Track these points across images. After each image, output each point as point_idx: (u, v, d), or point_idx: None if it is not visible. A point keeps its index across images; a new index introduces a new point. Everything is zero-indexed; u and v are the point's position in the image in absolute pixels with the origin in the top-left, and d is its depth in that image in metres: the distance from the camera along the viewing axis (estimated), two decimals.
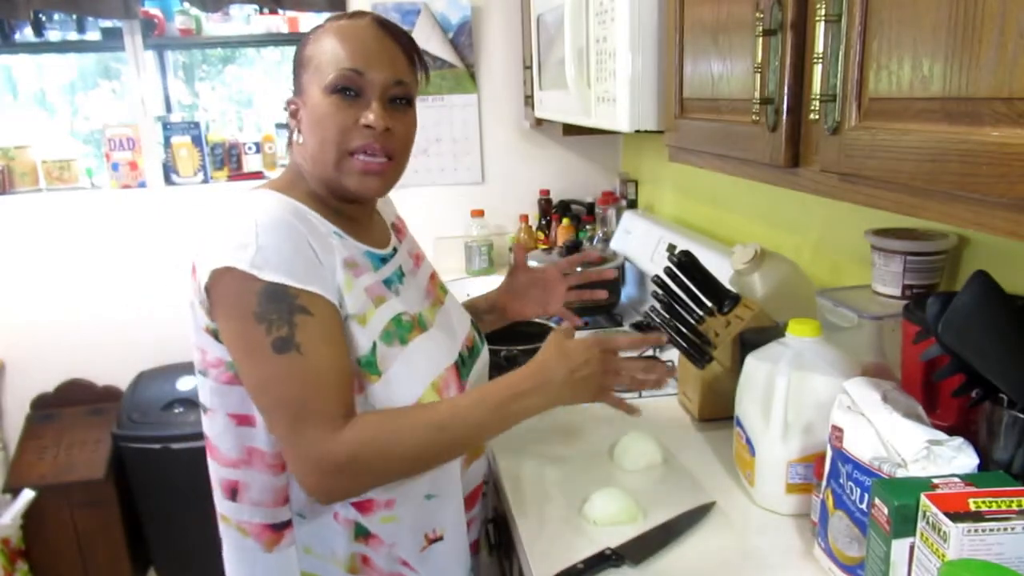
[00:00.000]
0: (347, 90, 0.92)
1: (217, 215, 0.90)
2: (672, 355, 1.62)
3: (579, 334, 0.98)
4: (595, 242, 2.40)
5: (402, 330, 0.96)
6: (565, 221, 2.51)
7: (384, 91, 0.94)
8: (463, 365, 1.04)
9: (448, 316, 1.10)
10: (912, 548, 0.72)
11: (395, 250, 1.07)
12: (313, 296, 0.85)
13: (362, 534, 0.97)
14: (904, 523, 0.72)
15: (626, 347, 0.97)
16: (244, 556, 0.99)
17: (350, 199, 0.99)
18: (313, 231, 0.90)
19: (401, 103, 0.97)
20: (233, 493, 0.96)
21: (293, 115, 0.99)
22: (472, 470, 1.09)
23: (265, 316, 0.83)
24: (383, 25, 0.96)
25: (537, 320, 1.32)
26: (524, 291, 1.29)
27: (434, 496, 1.00)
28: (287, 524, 0.96)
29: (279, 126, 2.67)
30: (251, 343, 0.84)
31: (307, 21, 2.58)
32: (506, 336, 1.42)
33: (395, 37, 0.97)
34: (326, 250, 0.90)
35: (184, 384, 2.46)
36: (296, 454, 0.85)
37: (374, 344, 0.92)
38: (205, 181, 2.61)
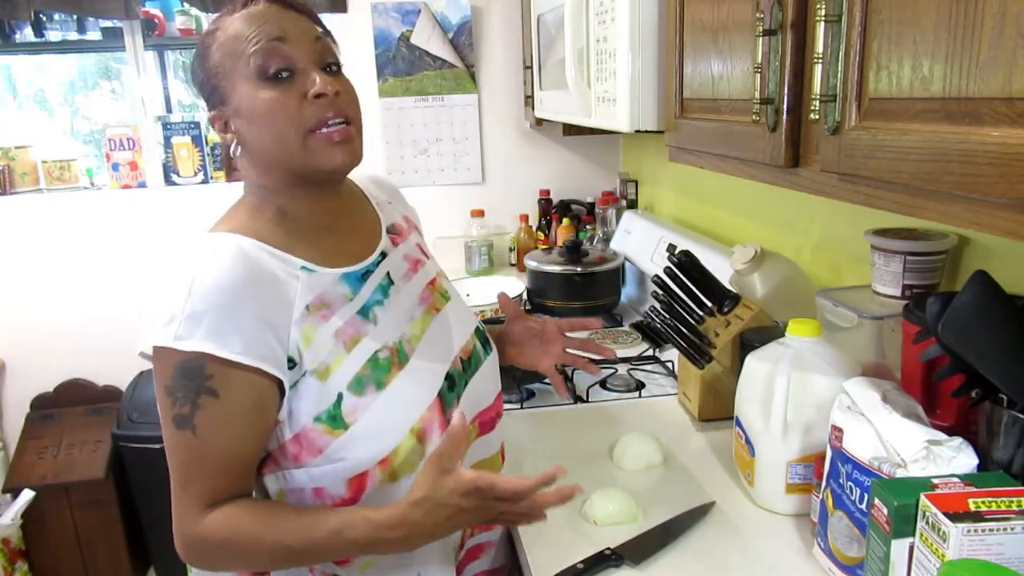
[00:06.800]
0: (280, 71, 0.86)
1: (173, 271, 0.87)
2: (672, 355, 1.63)
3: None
4: (595, 242, 2.40)
5: (379, 372, 0.90)
6: (565, 221, 2.51)
7: (314, 57, 0.88)
8: (450, 391, 0.96)
9: (445, 324, 1.02)
10: (912, 548, 0.72)
11: (383, 255, 0.99)
12: (234, 372, 0.82)
13: None
14: (904, 523, 0.72)
15: (512, 494, 0.82)
16: None
17: (326, 179, 0.92)
18: (268, 284, 0.85)
19: (335, 68, 0.91)
20: None
21: (224, 130, 0.91)
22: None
23: (172, 391, 0.83)
24: (281, 1, 0.90)
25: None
26: (522, 341, 1.23)
27: None
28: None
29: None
30: (162, 412, 0.85)
31: None
32: None
33: (297, 8, 0.91)
34: (281, 305, 0.86)
35: None
36: (173, 517, 0.87)
37: (339, 396, 0.87)
38: (205, 181, 2.62)
